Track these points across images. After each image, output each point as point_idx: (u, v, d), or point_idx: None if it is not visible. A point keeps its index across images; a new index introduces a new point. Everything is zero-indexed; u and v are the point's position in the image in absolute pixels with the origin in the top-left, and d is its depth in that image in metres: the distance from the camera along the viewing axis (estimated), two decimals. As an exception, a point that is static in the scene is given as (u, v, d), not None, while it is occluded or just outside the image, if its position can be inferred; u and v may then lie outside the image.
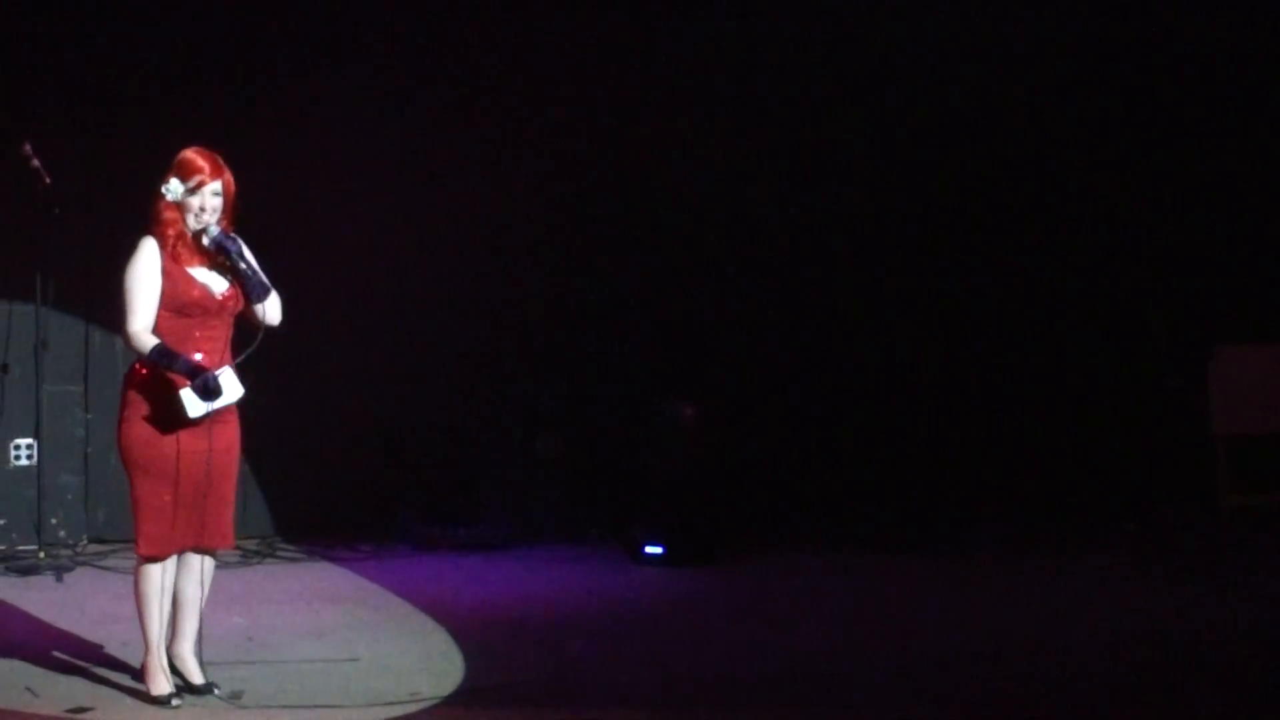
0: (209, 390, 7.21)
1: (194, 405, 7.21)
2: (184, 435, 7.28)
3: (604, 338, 11.74)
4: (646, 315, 11.76)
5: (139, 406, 7.29)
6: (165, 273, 7.33)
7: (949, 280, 12.03)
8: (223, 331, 7.47)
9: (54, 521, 10.83)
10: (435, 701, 7.54)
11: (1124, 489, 11.78)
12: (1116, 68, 12.08)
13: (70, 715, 7.25)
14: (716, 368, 11.74)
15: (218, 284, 7.45)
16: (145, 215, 7.50)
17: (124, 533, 11.02)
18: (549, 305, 11.77)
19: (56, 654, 8.21)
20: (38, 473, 10.67)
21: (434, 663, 8.17)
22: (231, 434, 7.51)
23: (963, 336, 12.01)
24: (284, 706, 7.42)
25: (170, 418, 7.24)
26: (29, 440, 10.78)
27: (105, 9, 11.10)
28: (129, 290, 7.28)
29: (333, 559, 10.75)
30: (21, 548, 10.63)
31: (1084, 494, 11.84)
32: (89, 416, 10.99)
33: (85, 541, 10.94)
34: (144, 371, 7.32)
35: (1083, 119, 12.11)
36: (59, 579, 10.02)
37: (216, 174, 7.57)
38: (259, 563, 10.66)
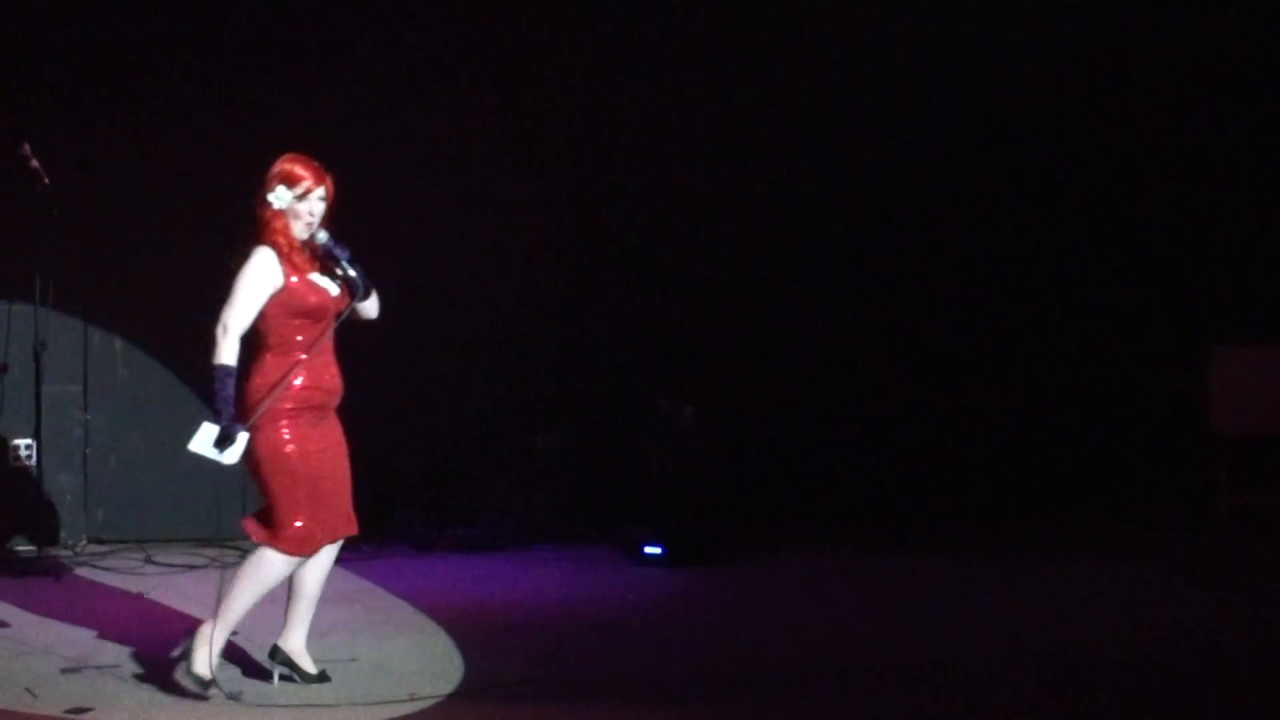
0: (226, 438, 7.31)
1: (204, 442, 7.31)
2: (312, 434, 7.49)
3: (603, 337, 11.73)
4: (646, 315, 11.75)
5: (271, 412, 7.40)
6: (286, 280, 7.46)
7: (948, 280, 12.02)
8: (330, 332, 7.65)
9: (53, 522, 10.82)
10: (434, 702, 7.54)
11: (1122, 489, 11.77)
12: (1114, 67, 12.06)
13: (70, 716, 7.25)
14: (716, 367, 11.73)
15: (330, 287, 7.64)
16: (252, 224, 7.61)
17: (123, 533, 11.05)
18: (548, 305, 11.76)
19: (55, 655, 8.20)
20: (37, 473, 10.67)
21: (433, 663, 8.17)
22: (339, 428, 7.76)
23: (962, 336, 11.99)
24: (283, 706, 7.43)
25: (310, 412, 7.48)
26: (28, 440, 10.78)
27: (105, 9, 11.10)
28: (236, 295, 7.44)
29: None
30: (20, 548, 10.62)
31: (1082, 494, 11.83)
32: (88, 417, 10.99)
33: (84, 542, 10.93)
34: (268, 376, 7.45)
35: (1081, 118, 12.10)
36: (58, 579, 10.02)
37: (321, 180, 7.75)
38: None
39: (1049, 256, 12.13)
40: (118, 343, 11.18)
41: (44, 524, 10.62)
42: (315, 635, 8.34)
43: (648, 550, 10.68)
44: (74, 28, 11.03)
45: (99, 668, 7.97)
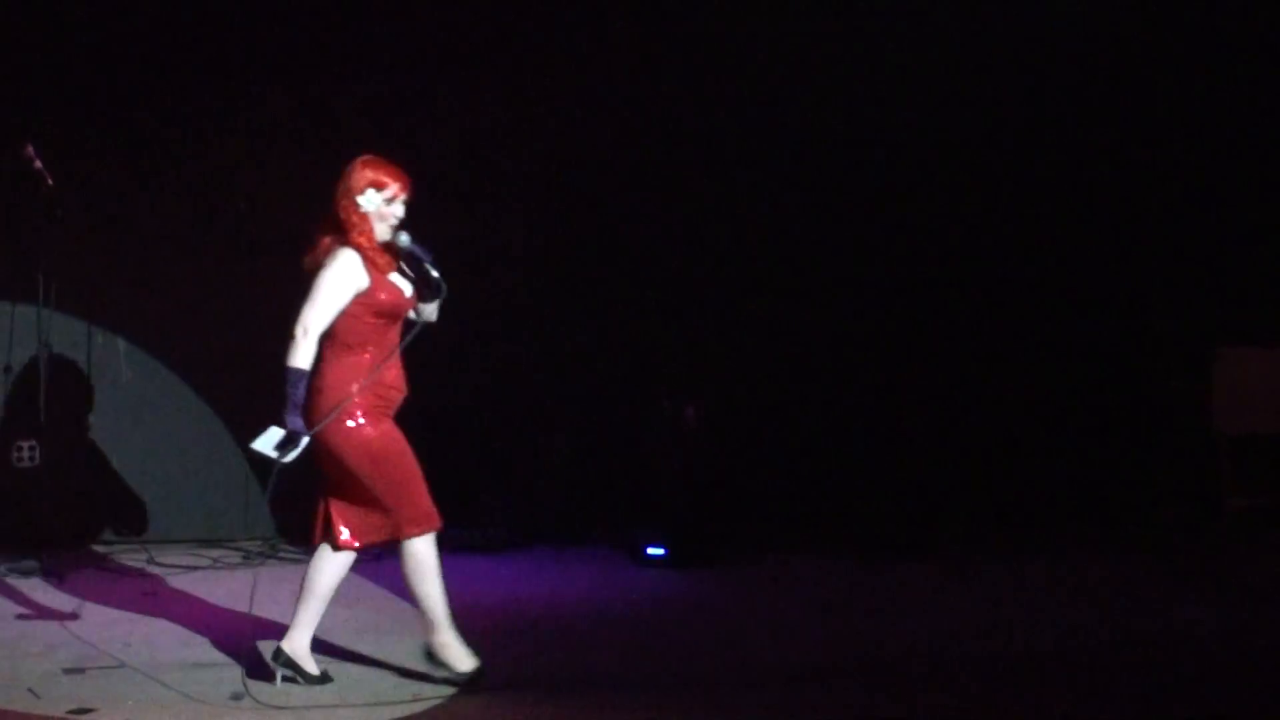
0: (290, 443, 7.43)
1: (268, 442, 7.43)
2: (393, 429, 7.73)
3: (607, 338, 11.73)
4: (650, 315, 11.75)
5: (357, 407, 7.57)
6: (370, 281, 7.59)
7: (951, 281, 12.00)
8: (400, 331, 7.80)
9: (56, 522, 10.82)
10: (436, 702, 7.55)
11: (1127, 490, 11.76)
12: (1118, 67, 12.05)
13: (72, 716, 7.26)
14: (719, 369, 11.72)
15: (405, 287, 7.77)
16: (335, 226, 7.72)
17: (125, 534, 11.05)
18: (552, 306, 11.76)
19: (58, 655, 8.21)
20: (40, 473, 10.68)
21: (436, 664, 8.17)
22: None
23: (965, 338, 11.98)
24: (285, 707, 7.43)
25: (382, 408, 7.65)
26: (31, 441, 10.78)
27: (108, 11, 11.10)
28: (319, 295, 7.55)
29: (335, 560, 10.74)
30: (23, 548, 10.61)
31: (1087, 495, 11.83)
32: (91, 417, 10.99)
33: (87, 542, 10.93)
34: (350, 375, 7.58)
35: (1084, 119, 12.09)
36: (61, 580, 10.02)
37: (406, 185, 7.86)
38: (261, 563, 10.66)
39: (1053, 258, 12.12)
40: (121, 343, 11.18)
41: (47, 524, 10.62)
42: (317, 635, 8.35)
43: (650, 552, 10.68)
44: (78, 29, 11.04)
45: (102, 668, 7.98)
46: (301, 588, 7.79)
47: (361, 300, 7.58)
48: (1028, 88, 11.98)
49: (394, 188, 7.79)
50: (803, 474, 11.73)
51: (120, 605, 9.42)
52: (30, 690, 7.59)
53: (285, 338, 7.54)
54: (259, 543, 11.09)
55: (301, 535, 11.01)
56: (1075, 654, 8.34)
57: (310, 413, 7.49)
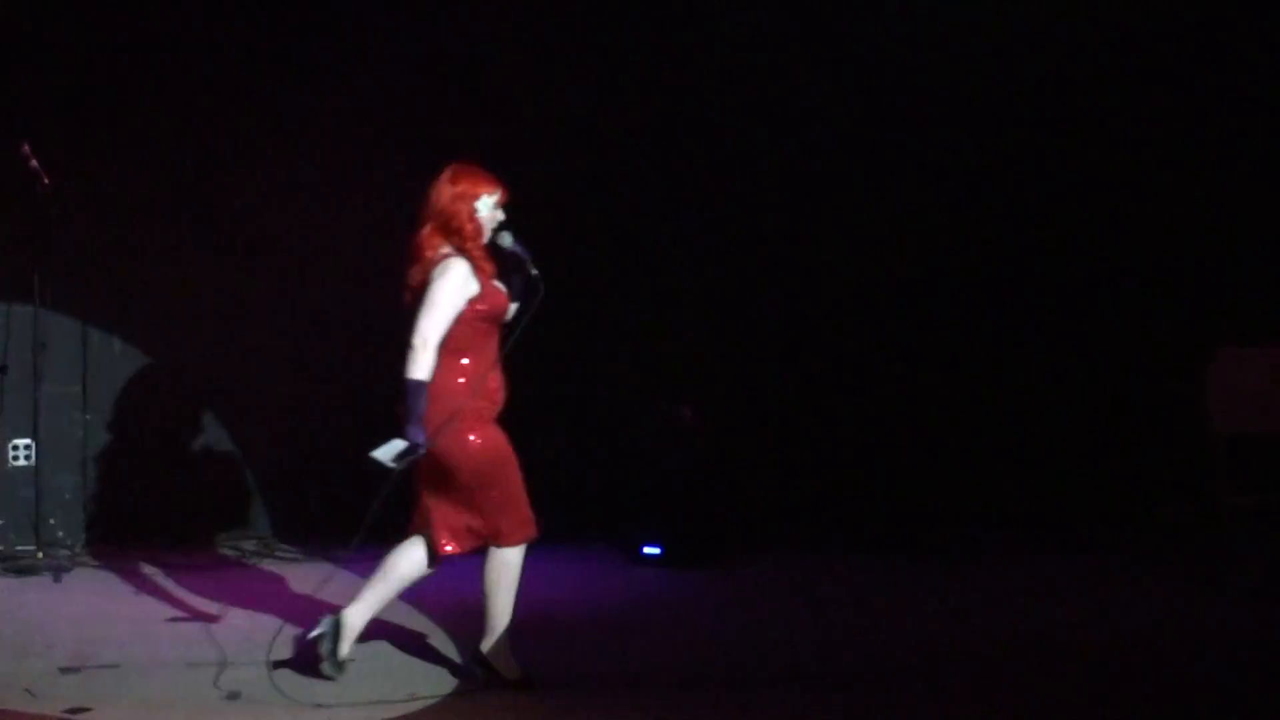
0: (410, 453, 7.49)
1: (388, 453, 7.48)
2: (499, 430, 7.78)
3: (603, 337, 11.72)
4: (645, 314, 11.75)
5: (471, 415, 7.65)
6: (481, 288, 7.72)
7: (949, 281, 12.01)
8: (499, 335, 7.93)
9: (52, 522, 10.81)
10: (433, 701, 7.54)
11: (1124, 490, 11.76)
12: (1116, 68, 12.06)
13: (69, 716, 7.25)
14: (715, 367, 11.72)
15: (504, 290, 7.92)
16: (444, 234, 7.82)
17: (121, 533, 11.03)
18: (547, 304, 11.73)
19: (55, 654, 8.20)
20: (36, 473, 10.67)
21: (432, 663, 8.17)
22: None
23: (963, 337, 11.99)
24: (282, 706, 7.42)
25: (488, 415, 7.73)
26: (27, 441, 10.77)
27: (104, 10, 11.09)
28: (437, 307, 7.61)
29: (331, 559, 10.74)
30: (20, 548, 10.61)
31: (1084, 495, 11.83)
32: (87, 417, 10.98)
33: (83, 541, 10.92)
34: (461, 382, 7.63)
35: (1083, 120, 12.10)
36: (57, 579, 10.01)
37: (505, 189, 8.00)
38: (258, 563, 10.65)
39: (1050, 258, 12.13)
40: (117, 343, 11.17)
41: (43, 523, 10.61)
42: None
43: (646, 551, 10.68)
44: (74, 27, 11.02)
45: (98, 667, 7.97)
46: (379, 568, 7.87)
47: (472, 307, 7.67)
48: (1027, 87, 11.99)
49: (498, 192, 7.92)
50: (799, 473, 11.72)
51: (117, 605, 9.41)
52: (27, 690, 7.57)
53: (404, 350, 7.58)
54: (256, 542, 11.07)
55: (300, 535, 11.08)
56: (1074, 654, 8.34)
57: (410, 424, 7.53)
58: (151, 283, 11.19)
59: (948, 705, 7.54)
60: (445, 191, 7.83)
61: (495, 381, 7.77)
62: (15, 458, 10.85)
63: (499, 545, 7.81)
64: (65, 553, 10.63)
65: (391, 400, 11.32)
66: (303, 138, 11.40)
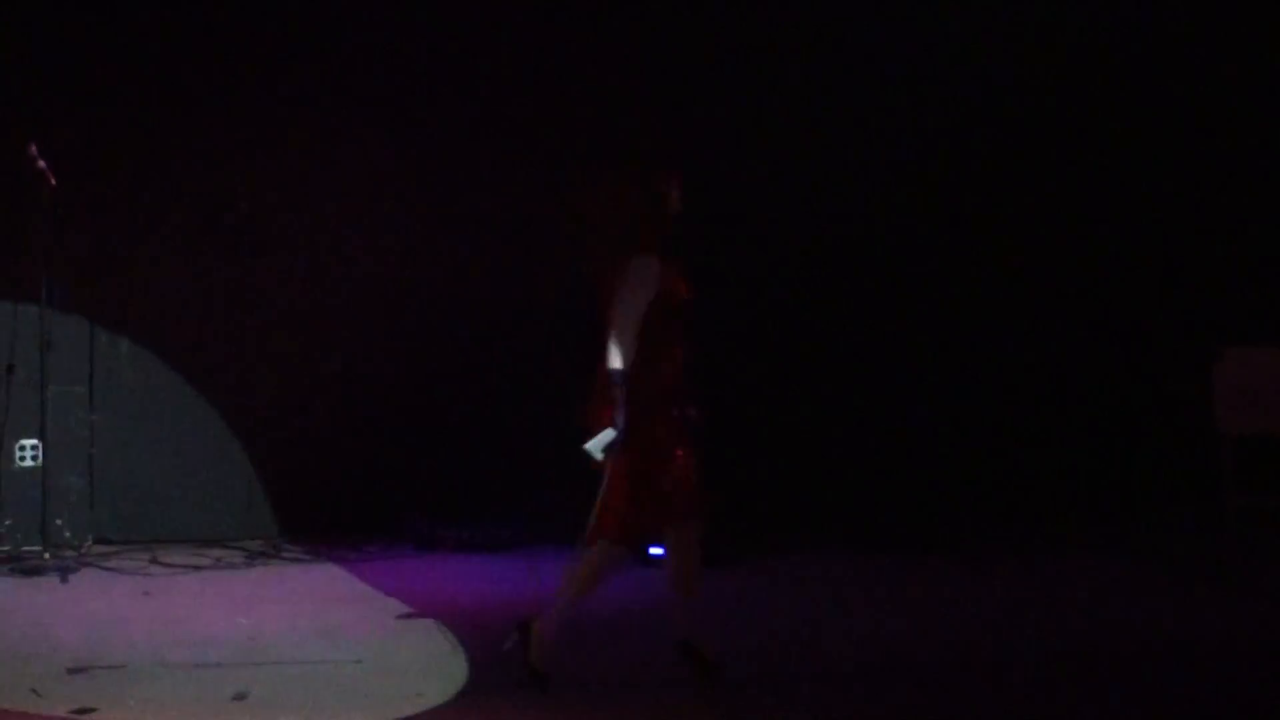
0: (616, 443, 7.67)
1: (599, 444, 7.64)
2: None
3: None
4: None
5: (652, 410, 7.75)
6: (666, 282, 7.84)
7: (952, 282, 12.01)
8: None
9: (59, 522, 10.81)
10: (439, 703, 7.54)
11: (1131, 490, 11.76)
12: (1119, 68, 12.05)
13: (75, 716, 7.25)
14: (720, 369, 11.70)
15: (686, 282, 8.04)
16: (636, 231, 7.90)
17: (129, 534, 11.05)
18: (555, 306, 11.74)
19: (61, 655, 8.21)
20: (42, 473, 10.67)
21: (438, 664, 8.17)
22: None
23: (966, 338, 11.99)
24: (288, 707, 7.42)
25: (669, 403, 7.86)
26: (34, 441, 10.77)
27: (111, 11, 11.10)
28: (632, 301, 7.77)
29: (337, 560, 10.75)
30: (26, 548, 10.60)
31: (1091, 495, 11.83)
32: (94, 417, 10.98)
33: (90, 542, 10.92)
34: (649, 373, 7.77)
35: (1086, 119, 12.09)
36: (64, 579, 10.02)
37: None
38: (264, 564, 10.66)
39: (1054, 258, 12.12)
40: (123, 343, 11.18)
41: (50, 524, 10.61)
42: (320, 636, 8.40)
43: (654, 552, 10.66)
44: (82, 30, 11.04)
45: (105, 668, 7.97)
46: (570, 575, 7.87)
47: (660, 301, 7.81)
48: (1027, 88, 11.97)
49: (676, 189, 8.06)
50: (805, 475, 11.72)
51: (124, 605, 9.41)
52: (33, 690, 7.58)
53: (603, 345, 7.70)
54: (261, 543, 11.08)
55: (306, 536, 11.08)
56: (1079, 653, 8.33)
57: (616, 413, 7.69)
58: (158, 283, 11.22)
59: (951, 704, 7.53)
60: (635, 191, 8.02)
61: (674, 372, 7.90)
62: (22, 458, 10.85)
63: (679, 528, 7.87)
64: (71, 553, 10.64)
65: (399, 400, 11.45)
66: (306, 135, 11.41)
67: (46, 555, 10.36)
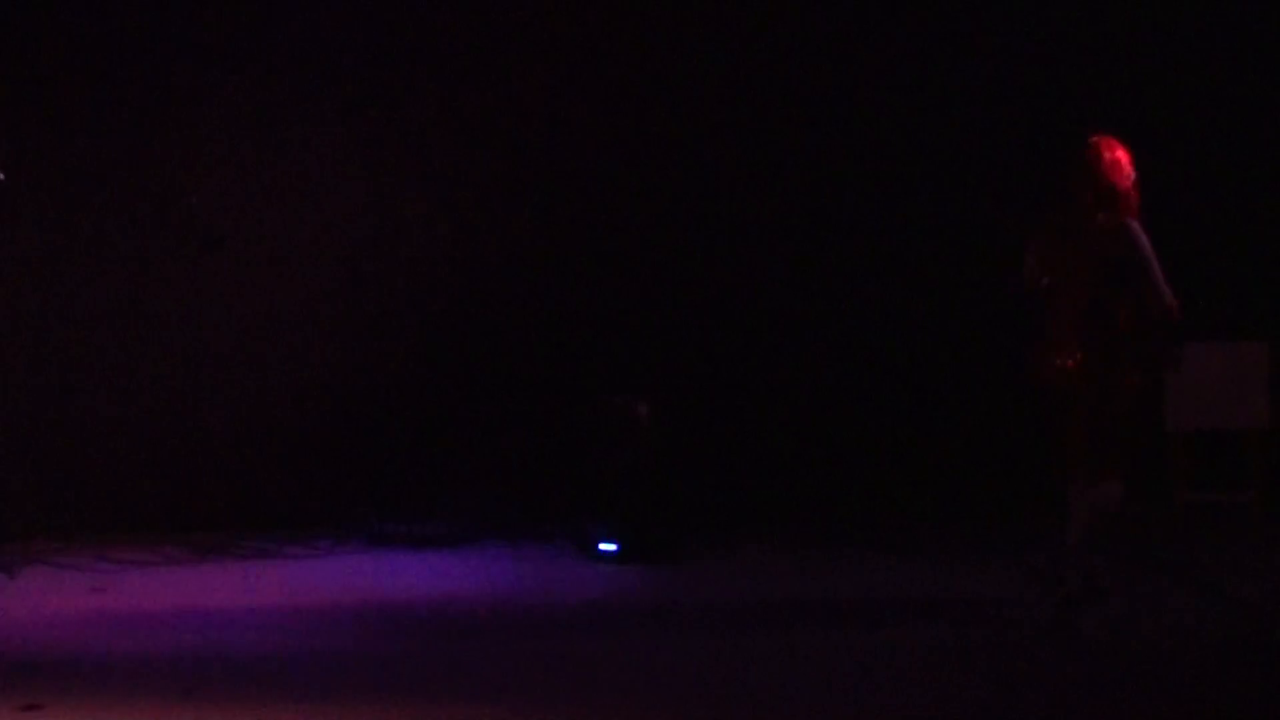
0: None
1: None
2: None
3: (560, 333, 11.72)
4: (603, 310, 11.74)
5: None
6: None
7: (896, 275, 11.99)
8: None
9: (6, 517, 10.75)
10: (385, 698, 7.52)
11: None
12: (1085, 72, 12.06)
13: (22, 714, 7.22)
14: (671, 363, 11.72)
15: None
16: (1111, 201, 8.82)
17: (76, 529, 10.98)
18: (505, 301, 11.74)
19: (8, 651, 8.17)
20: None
21: (386, 659, 8.15)
22: None
23: (918, 331, 11.99)
24: (235, 701, 7.41)
25: None
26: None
27: (54, 5, 11.06)
28: (1155, 263, 8.84)
29: (288, 555, 10.73)
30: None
31: (1039, 490, 11.84)
32: (42, 412, 10.93)
33: (37, 538, 10.86)
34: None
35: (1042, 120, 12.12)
36: (11, 575, 9.96)
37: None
38: (214, 559, 10.62)
39: (1002, 252, 12.11)
40: (71, 337, 11.14)
41: (-1, 519, 10.59)
42: (269, 630, 8.36)
43: (602, 547, 10.68)
44: (28, 21, 10.99)
45: (52, 663, 7.94)
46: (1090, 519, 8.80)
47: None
48: (984, 87, 11.98)
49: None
50: (757, 469, 11.73)
51: (72, 601, 9.37)
52: (-20, 686, 7.55)
53: (1166, 310, 8.85)
54: (211, 538, 11.02)
55: (257, 530, 11.05)
56: (1023, 649, 8.35)
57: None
58: (104, 276, 11.17)
59: (904, 701, 7.54)
60: (1110, 162, 8.85)
61: None
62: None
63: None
64: (19, 549, 10.56)
65: (350, 395, 11.43)
66: (260, 129, 11.38)
67: (-8, 551, 10.33)
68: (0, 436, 10.66)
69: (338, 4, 11.48)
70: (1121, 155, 8.85)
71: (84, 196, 11.18)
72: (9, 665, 7.91)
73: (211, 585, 9.84)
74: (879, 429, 11.93)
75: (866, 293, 12.00)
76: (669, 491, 10.94)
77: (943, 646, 8.39)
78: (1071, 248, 8.87)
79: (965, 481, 11.82)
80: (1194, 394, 11.20)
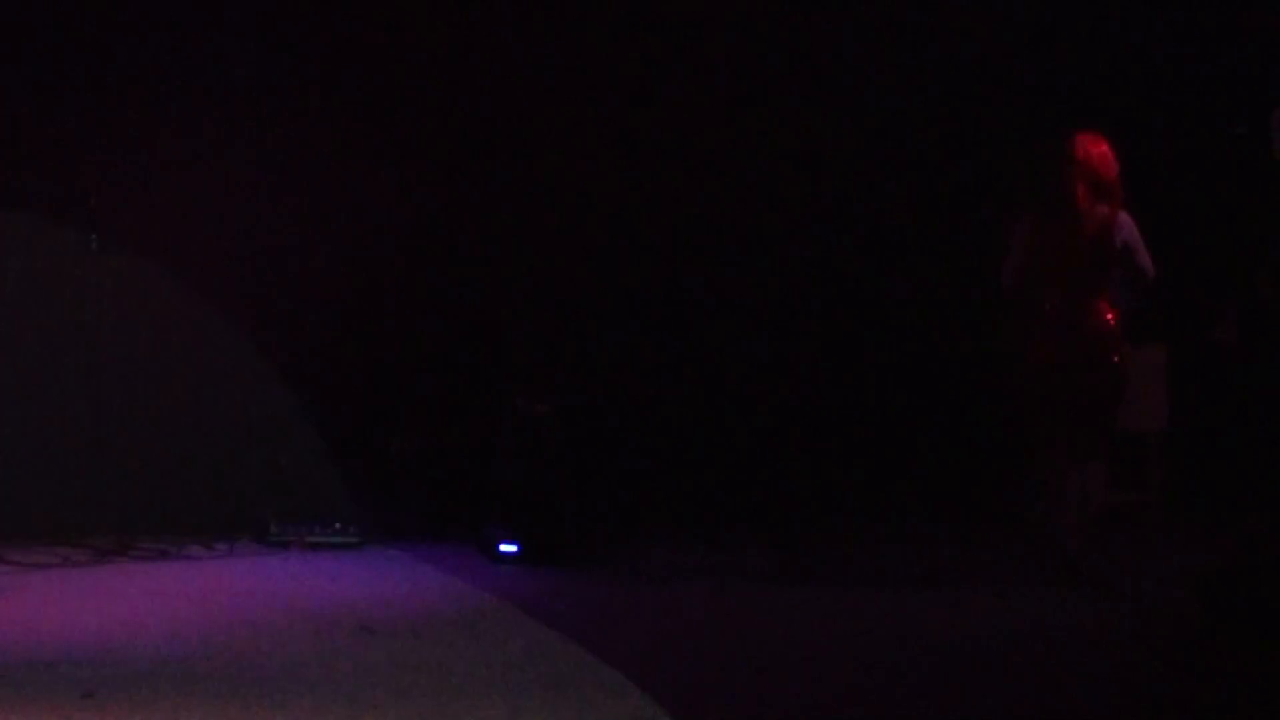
0: None
1: None
2: None
3: (460, 335, 11.74)
4: (502, 312, 11.77)
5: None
6: None
7: (804, 272, 12.07)
8: None
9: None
10: (284, 702, 7.50)
11: (995, 487, 11.78)
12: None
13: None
14: (573, 365, 11.75)
15: None
16: (1108, 194, 9.54)
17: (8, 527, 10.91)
18: (406, 303, 11.74)
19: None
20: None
21: (285, 664, 8.13)
22: None
23: (818, 329, 12.06)
24: (135, 706, 7.36)
25: None
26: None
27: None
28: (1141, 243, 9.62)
29: (186, 558, 10.69)
30: None
31: (957, 492, 11.92)
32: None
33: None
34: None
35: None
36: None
37: None
38: (112, 562, 10.56)
39: (920, 254, 12.18)
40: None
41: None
42: (168, 635, 8.33)
43: (504, 549, 10.69)
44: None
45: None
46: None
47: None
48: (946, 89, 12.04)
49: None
50: (660, 470, 11.78)
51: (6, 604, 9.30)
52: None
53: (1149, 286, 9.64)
54: (110, 539, 10.96)
55: (155, 532, 11.00)
56: (934, 652, 8.40)
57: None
58: (6, 278, 11.11)
59: (804, 704, 7.58)
60: (1100, 159, 9.51)
61: None
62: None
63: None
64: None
65: (248, 397, 11.39)
66: (161, 131, 11.34)
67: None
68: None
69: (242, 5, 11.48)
70: (1107, 149, 9.53)
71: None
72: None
73: (110, 587, 9.79)
74: (795, 428, 12.00)
75: (767, 298, 12.07)
76: (572, 492, 10.97)
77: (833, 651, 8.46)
78: (1066, 239, 9.52)
79: (881, 484, 11.91)
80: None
